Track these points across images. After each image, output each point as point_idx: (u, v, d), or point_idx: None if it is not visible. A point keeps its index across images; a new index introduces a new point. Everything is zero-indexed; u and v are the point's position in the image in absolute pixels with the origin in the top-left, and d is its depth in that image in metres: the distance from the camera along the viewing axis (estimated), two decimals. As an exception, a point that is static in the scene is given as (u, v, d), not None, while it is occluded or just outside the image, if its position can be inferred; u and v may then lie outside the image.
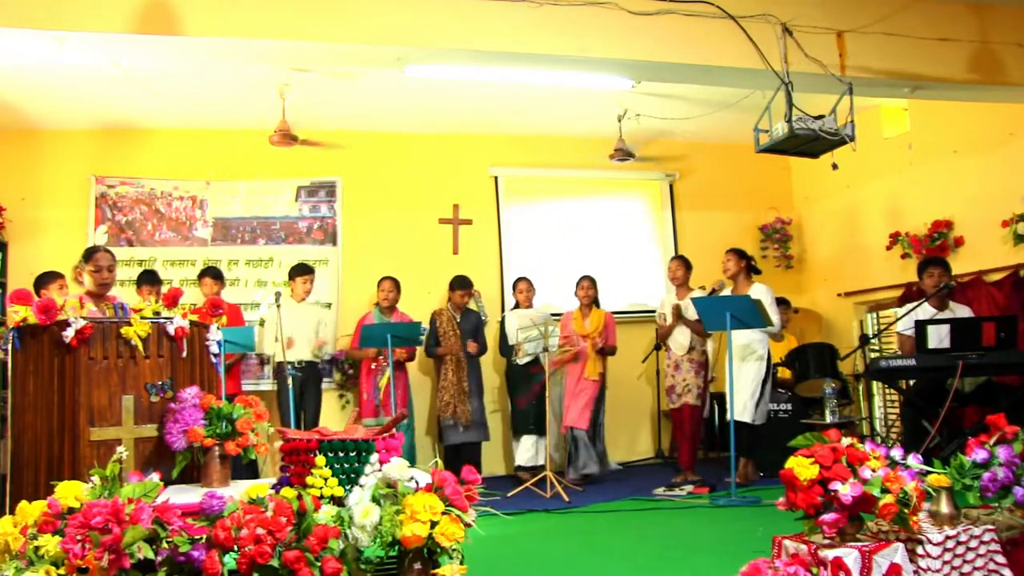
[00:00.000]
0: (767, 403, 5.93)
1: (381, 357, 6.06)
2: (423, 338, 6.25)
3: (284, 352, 5.72)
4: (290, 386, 5.63)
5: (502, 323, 6.74)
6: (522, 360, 6.37)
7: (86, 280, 3.81)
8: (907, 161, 6.75)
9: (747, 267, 5.99)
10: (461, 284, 6.55)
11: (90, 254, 3.84)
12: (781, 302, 6.70)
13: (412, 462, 3.68)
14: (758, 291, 5.81)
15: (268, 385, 6.50)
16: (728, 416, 5.70)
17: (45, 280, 5.22)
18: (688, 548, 4.21)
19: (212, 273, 6.10)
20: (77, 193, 6.53)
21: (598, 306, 6.48)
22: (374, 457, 2.73)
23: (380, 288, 6.36)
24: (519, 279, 6.71)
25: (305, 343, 6.15)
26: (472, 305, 6.70)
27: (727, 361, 5.65)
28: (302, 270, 6.30)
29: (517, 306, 6.67)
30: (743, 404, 5.73)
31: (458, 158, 7.34)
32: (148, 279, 5.87)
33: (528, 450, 6.41)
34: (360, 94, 6.22)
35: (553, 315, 6.74)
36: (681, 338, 6.25)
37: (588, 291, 6.43)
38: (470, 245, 7.30)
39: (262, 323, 6.34)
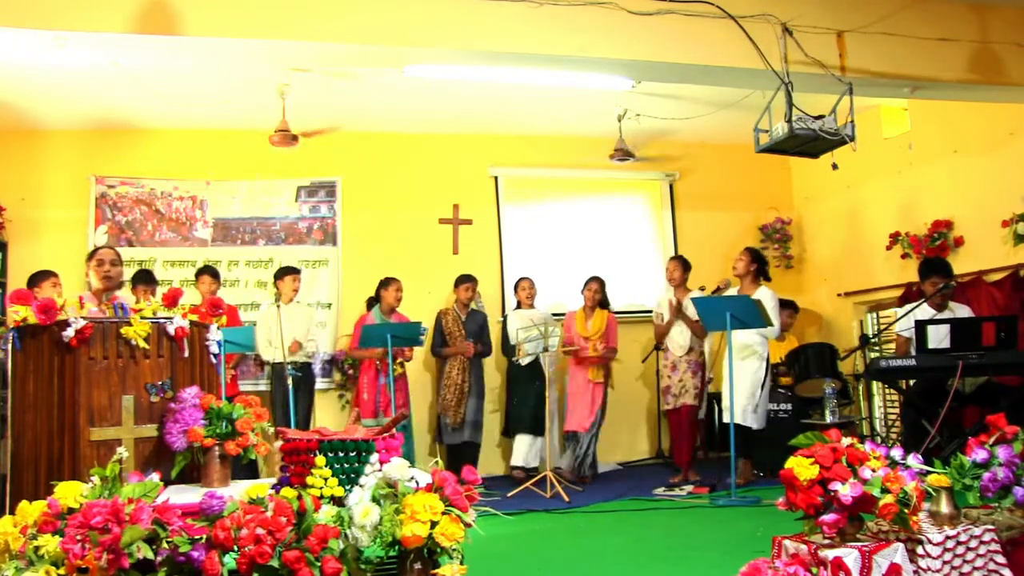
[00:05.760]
0: (766, 405, 5.92)
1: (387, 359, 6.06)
2: (423, 338, 6.24)
3: (284, 353, 5.74)
4: (290, 386, 5.64)
5: (504, 323, 6.74)
6: (524, 360, 6.37)
7: (92, 278, 3.82)
8: (907, 161, 6.74)
9: (757, 270, 5.96)
10: (465, 278, 6.58)
11: (94, 251, 3.90)
12: (788, 305, 6.68)
13: (411, 462, 3.68)
14: (761, 294, 5.78)
15: (265, 386, 6.49)
16: (725, 417, 5.69)
17: (38, 279, 5.19)
18: (688, 548, 4.21)
19: (210, 272, 6.13)
20: (77, 193, 6.53)
21: (603, 307, 6.47)
22: (374, 457, 2.73)
23: (389, 289, 6.35)
24: (521, 278, 6.71)
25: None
26: (473, 305, 6.71)
27: (726, 361, 5.64)
28: (288, 270, 6.28)
29: (519, 306, 6.67)
30: (741, 407, 5.71)
31: (458, 158, 7.34)
32: (143, 279, 5.86)
33: (524, 450, 6.41)
34: (360, 94, 6.22)
35: (555, 315, 6.74)
36: (680, 339, 6.25)
37: (596, 293, 6.42)
38: (470, 245, 7.30)
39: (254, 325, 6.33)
